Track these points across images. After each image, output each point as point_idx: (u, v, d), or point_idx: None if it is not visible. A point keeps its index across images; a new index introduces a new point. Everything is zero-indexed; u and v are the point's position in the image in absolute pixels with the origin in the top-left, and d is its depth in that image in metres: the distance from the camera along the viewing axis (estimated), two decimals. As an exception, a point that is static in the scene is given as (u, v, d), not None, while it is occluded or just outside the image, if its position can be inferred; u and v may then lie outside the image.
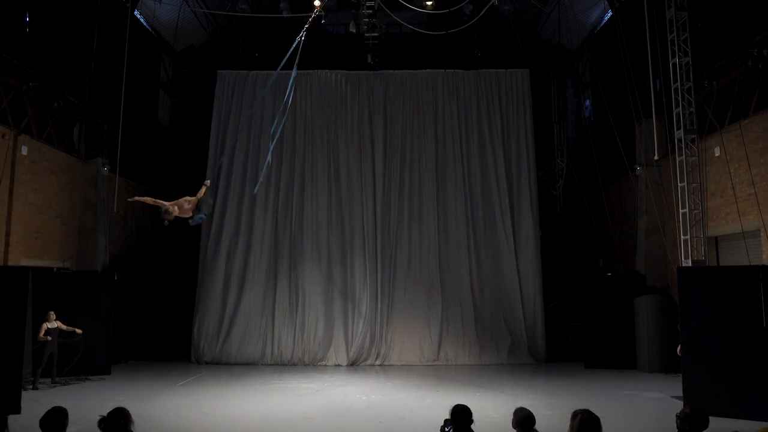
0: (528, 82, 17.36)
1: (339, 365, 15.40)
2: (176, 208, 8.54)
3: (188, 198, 8.80)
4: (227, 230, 16.42)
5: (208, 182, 9.31)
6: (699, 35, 12.92)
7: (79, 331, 12.16)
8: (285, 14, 17.50)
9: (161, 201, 8.65)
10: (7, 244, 12.10)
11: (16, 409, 9.04)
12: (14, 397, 9.21)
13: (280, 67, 10.60)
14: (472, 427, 4.49)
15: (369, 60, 17.24)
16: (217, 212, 16.49)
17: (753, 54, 11.50)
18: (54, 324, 11.92)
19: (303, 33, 10.52)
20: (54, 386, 11.86)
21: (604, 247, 17.76)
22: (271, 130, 12.21)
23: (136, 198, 9.20)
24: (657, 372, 13.44)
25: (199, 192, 8.98)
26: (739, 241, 11.75)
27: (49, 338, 11.75)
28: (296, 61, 10.50)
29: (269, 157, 11.35)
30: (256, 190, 13.67)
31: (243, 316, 15.92)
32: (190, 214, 8.81)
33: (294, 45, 10.39)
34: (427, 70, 17.45)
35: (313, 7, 11.86)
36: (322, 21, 15.06)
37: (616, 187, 17.29)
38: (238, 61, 18.90)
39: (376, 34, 16.57)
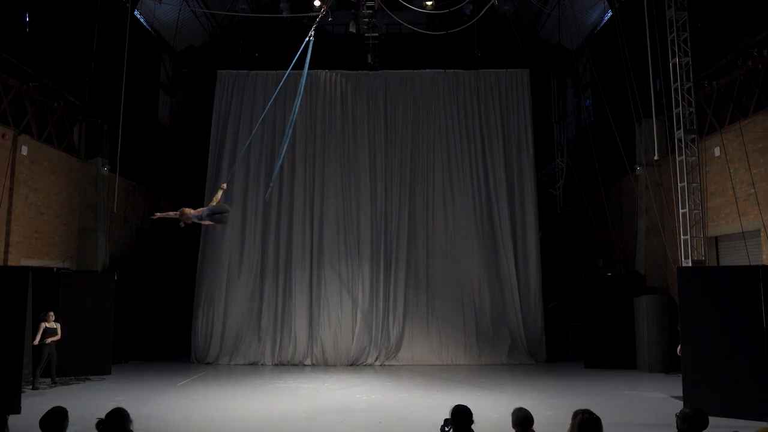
0: (528, 82, 17.33)
1: (339, 365, 15.40)
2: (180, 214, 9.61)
3: (190, 210, 9.68)
4: (228, 230, 16.37)
5: (224, 186, 10.02)
6: (699, 35, 12.91)
7: (50, 340, 11.85)
8: (285, 14, 17.50)
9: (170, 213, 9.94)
10: (7, 244, 12.10)
11: (16, 409, 9.04)
12: (14, 397, 9.21)
13: (289, 68, 10.82)
14: (473, 427, 4.49)
15: (369, 60, 17.24)
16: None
17: (753, 54, 11.51)
18: (53, 325, 11.91)
19: (311, 34, 10.56)
20: (54, 386, 11.85)
21: (604, 247, 17.76)
22: (285, 136, 12.32)
23: (158, 215, 10.18)
24: (657, 372, 13.43)
25: (215, 196, 9.96)
26: (739, 241, 11.75)
27: (47, 341, 11.72)
28: (307, 61, 10.60)
29: (279, 162, 11.88)
30: (266, 198, 13.61)
31: (244, 316, 15.92)
32: (208, 222, 9.84)
33: (302, 46, 10.46)
34: (427, 70, 17.43)
35: (313, 7, 11.89)
36: (329, 19, 14.78)
37: (616, 187, 17.29)
38: (238, 61, 18.90)
39: (376, 34, 16.57)
